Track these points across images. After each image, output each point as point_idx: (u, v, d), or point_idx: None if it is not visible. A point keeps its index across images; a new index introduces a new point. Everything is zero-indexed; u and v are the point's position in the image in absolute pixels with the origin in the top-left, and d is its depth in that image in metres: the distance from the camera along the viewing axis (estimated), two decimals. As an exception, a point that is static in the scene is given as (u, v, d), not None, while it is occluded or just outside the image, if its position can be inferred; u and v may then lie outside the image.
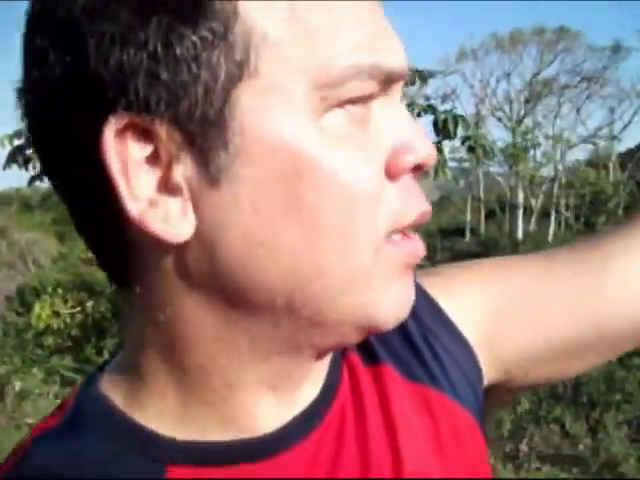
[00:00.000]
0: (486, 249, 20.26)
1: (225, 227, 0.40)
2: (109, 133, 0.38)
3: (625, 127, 26.37)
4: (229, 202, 0.39)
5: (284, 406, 0.47)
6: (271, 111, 0.39)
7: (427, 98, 6.35)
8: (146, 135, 0.39)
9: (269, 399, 0.46)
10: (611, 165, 23.56)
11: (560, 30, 27.09)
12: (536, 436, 6.12)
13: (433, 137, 5.84)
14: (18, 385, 7.15)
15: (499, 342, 0.58)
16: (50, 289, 8.50)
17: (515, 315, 0.58)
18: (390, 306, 0.43)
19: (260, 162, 0.39)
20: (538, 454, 5.96)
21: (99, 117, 0.38)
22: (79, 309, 8.35)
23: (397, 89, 0.43)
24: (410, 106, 6.02)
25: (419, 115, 5.96)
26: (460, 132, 5.79)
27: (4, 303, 10.21)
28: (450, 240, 22.36)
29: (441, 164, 5.77)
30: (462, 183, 24.41)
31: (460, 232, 23.94)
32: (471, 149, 5.96)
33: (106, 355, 7.44)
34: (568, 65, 27.18)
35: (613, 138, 25.75)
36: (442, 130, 5.86)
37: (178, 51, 0.37)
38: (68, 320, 8.12)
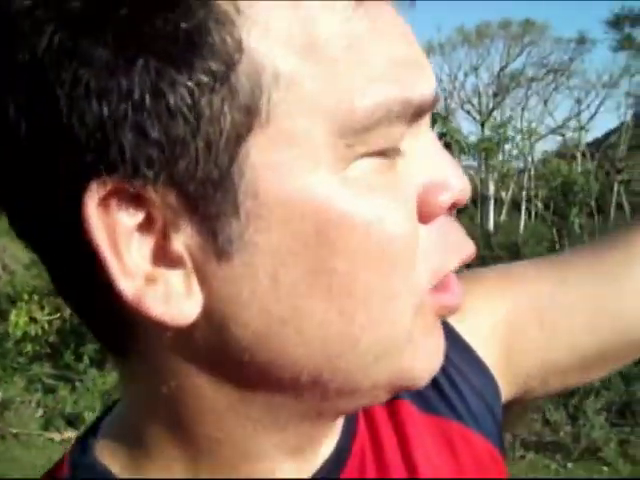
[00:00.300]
0: (459, 242, 20.39)
1: (239, 303, 0.34)
2: (91, 203, 0.32)
3: (592, 117, 26.78)
4: (242, 275, 0.33)
5: (303, 465, 0.43)
6: (289, 165, 0.33)
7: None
8: (136, 199, 0.33)
9: (287, 463, 0.41)
10: (579, 155, 23.92)
11: (526, 23, 27.41)
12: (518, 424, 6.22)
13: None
14: (0, 395, 7.07)
15: (516, 357, 0.55)
16: (26, 296, 8.38)
17: (531, 328, 0.55)
18: (425, 364, 0.39)
19: (278, 227, 0.33)
20: (521, 442, 6.07)
21: (77, 183, 0.32)
22: (57, 315, 8.26)
23: (426, 118, 0.38)
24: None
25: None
26: (437, 128, 5.89)
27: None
28: (423, 234, 22.48)
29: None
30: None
31: (433, 226, 24.06)
32: (447, 145, 6.08)
33: (86, 361, 7.39)
34: (535, 58, 27.56)
35: (581, 129, 26.14)
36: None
37: (171, 101, 0.31)
38: (46, 326, 8.04)
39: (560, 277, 0.57)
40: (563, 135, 27.08)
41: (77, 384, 7.23)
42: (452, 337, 0.52)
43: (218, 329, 0.35)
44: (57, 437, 6.78)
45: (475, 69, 27.69)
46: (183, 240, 0.33)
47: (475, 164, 23.85)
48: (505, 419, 0.56)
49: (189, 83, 0.31)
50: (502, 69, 27.49)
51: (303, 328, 0.35)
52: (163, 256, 0.34)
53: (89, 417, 6.61)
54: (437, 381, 0.51)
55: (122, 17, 0.30)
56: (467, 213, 24.73)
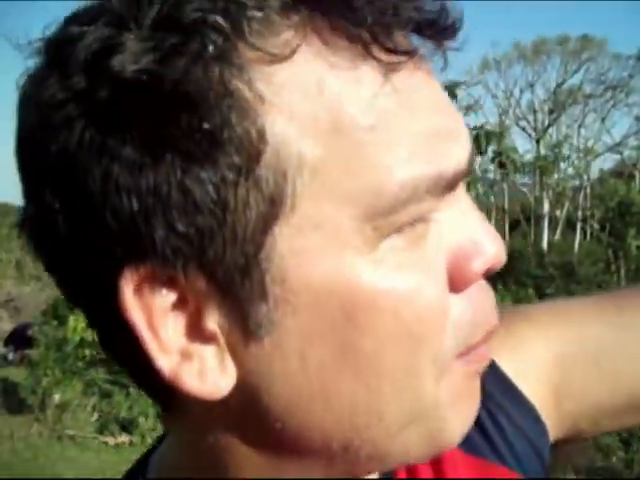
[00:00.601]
0: (511, 259, 20.05)
1: (270, 378, 0.35)
2: (126, 288, 0.33)
3: (651, 136, 26.17)
4: (272, 354, 0.34)
5: None
6: (315, 252, 0.33)
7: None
8: (169, 282, 0.34)
9: None
10: (638, 174, 23.38)
11: (584, 39, 27.01)
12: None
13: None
14: (58, 397, 7.31)
15: (566, 399, 0.54)
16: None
17: (583, 372, 0.54)
18: (455, 426, 0.39)
19: (306, 310, 0.34)
20: (572, 466, 5.99)
21: (112, 269, 0.33)
22: (113, 322, 8.47)
23: (460, 185, 0.37)
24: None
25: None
26: (491, 147, 5.92)
27: (39, 317, 10.40)
28: (475, 251, 22.22)
29: (473, 180, 5.90)
30: (490, 194, 24.35)
31: (485, 243, 23.79)
32: (502, 165, 6.08)
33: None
34: (592, 74, 27.13)
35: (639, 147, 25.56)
36: (474, 146, 5.99)
37: (197, 196, 0.31)
38: (102, 332, 8.26)
39: (617, 320, 0.55)
40: (621, 153, 26.54)
41: (131, 390, 7.41)
42: (498, 378, 0.52)
43: (251, 400, 0.36)
44: (111, 441, 6.97)
45: (531, 85, 27.41)
46: (215, 319, 0.34)
47: (530, 182, 23.56)
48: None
49: (214, 179, 0.31)
50: (559, 85, 27.13)
51: (331, 402, 0.35)
52: (197, 333, 0.34)
53: (143, 422, 6.78)
54: (481, 423, 0.50)
55: (147, 115, 0.31)
56: (520, 231, 24.38)
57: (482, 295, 0.38)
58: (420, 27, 0.34)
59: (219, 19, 0.31)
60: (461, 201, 0.37)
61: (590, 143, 26.02)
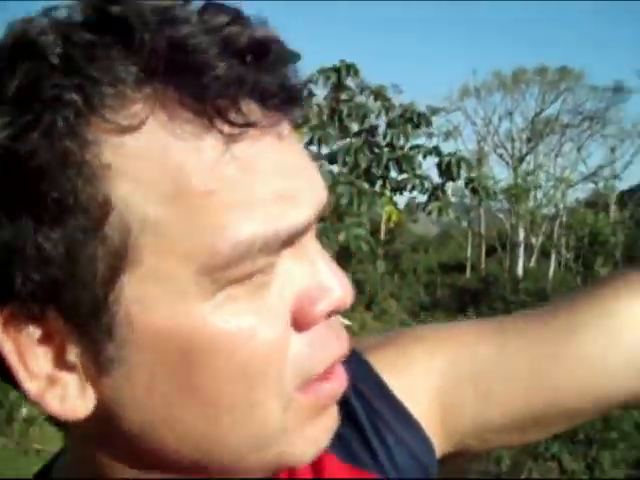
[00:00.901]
0: (486, 285, 20.24)
1: (123, 405, 0.39)
2: None
3: (626, 166, 26.68)
4: (122, 385, 0.39)
5: None
6: (157, 300, 0.37)
7: (430, 135, 6.60)
8: (35, 320, 0.38)
9: None
10: (612, 204, 23.77)
11: (562, 70, 27.53)
12: (534, 472, 6.19)
13: (437, 178, 6.13)
14: (25, 411, 7.24)
15: (450, 417, 0.57)
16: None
17: (465, 391, 0.56)
18: (304, 449, 0.42)
19: (149, 351, 0.38)
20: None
21: None
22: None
23: (309, 234, 0.41)
24: (416, 148, 6.27)
25: (424, 157, 6.24)
26: (463, 173, 6.03)
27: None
28: (450, 276, 22.40)
29: (444, 205, 6.03)
30: (463, 219, 24.61)
31: (461, 268, 24.02)
32: (474, 191, 6.20)
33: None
34: (570, 105, 27.62)
35: (614, 177, 26.01)
36: (446, 172, 6.15)
37: (48, 252, 0.36)
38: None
39: (500, 343, 0.57)
40: (596, 183, 26.98)
41: (100, 405, 7.35)
42: (386, 397, 0.56)
43: (112, 422, 0.40)
44: (78, 456, 6.91)
45: (510, 114, 27.82)
46: (75, 353, 0.39)
47: (506, 208, 23.83)
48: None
49: (63, 238, 0.36)
50: (537, 115, 27.57)
51: (175, 428, 0.40)
52: (62, 363, 0.39)
53: (110, 438, 6.73)
54: (366, 435, 0.54)
55: (3, 183, 0.36)
56: (496, 257, 24.59)
57: (326, 333, 0.41)
58: (265, 98, 0.38)
59: (73, 95, 0.35)
60: (309, 249, 0.41)
61: (567, 172, 26.44)
